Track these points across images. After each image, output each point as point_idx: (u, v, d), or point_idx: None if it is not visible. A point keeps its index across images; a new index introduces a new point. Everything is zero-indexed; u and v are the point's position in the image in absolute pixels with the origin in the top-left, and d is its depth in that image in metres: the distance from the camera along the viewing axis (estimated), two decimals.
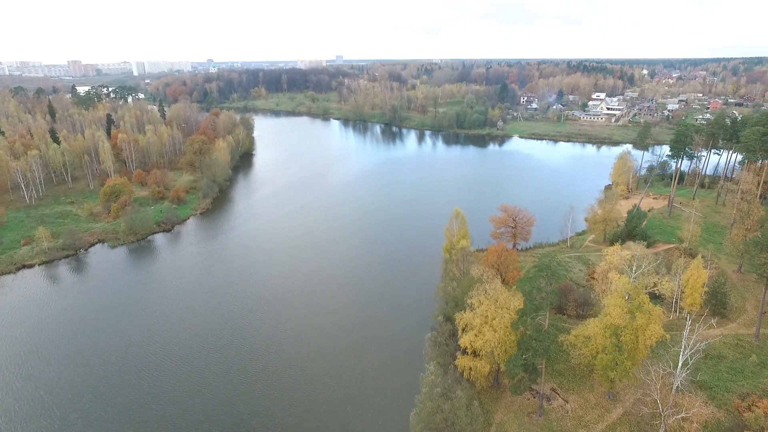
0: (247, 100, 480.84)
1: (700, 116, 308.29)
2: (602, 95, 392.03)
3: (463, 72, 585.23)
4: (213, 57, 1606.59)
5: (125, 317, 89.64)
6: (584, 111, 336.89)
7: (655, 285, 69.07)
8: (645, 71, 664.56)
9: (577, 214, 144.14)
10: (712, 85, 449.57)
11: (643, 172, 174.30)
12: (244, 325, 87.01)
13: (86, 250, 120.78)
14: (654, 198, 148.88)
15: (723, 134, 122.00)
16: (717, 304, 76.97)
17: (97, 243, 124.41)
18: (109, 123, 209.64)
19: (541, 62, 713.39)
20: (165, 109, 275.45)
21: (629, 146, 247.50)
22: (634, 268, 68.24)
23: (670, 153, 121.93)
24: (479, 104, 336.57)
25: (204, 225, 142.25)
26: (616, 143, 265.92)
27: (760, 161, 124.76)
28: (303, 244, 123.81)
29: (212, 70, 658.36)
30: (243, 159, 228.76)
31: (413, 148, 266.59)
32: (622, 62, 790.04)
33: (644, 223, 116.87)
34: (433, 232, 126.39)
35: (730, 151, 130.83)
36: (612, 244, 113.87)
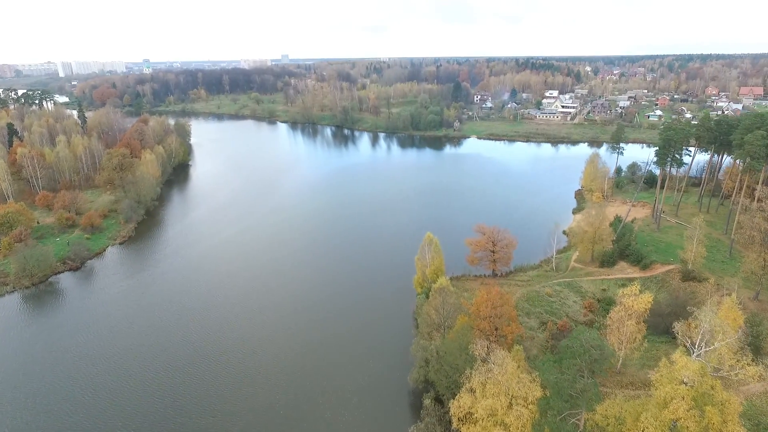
0: (185, 103, 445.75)
1: (651, 113, 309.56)
2: (555, 93, 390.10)
3: (413, 70, 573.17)
4: (150, 57, 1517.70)
5: None
6: (539, 109, 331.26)
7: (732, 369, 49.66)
8: (588, 68, 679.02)
9: (553, 223, 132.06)
10: (655, 81, 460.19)
11: (619, 175, 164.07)
12: (173, 395, 66.09)
13: None
14: (633, 206, 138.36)
15: (708, 137, 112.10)
16: (754, 350, 63.90)
17: None
18: (11, 134, 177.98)
19: (489, 60, 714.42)
20: (88, 115, 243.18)
21: (598, 148, 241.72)
22: (699, 341, 51.42)
23: (655, 159, 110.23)
24: (434, 104, 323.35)
25: (125, 257, 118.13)
26: (575, 142, 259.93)
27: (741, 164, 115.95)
28: (243, 282, 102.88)
29: (146, 70, 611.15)
30: (177, 172, 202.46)
31: (368, 153, 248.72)
32: (565, 59, 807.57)
33: (634, 237, 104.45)
34: (400, 258, 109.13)
35: (718, 154, 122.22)
36: (602, 265, 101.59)
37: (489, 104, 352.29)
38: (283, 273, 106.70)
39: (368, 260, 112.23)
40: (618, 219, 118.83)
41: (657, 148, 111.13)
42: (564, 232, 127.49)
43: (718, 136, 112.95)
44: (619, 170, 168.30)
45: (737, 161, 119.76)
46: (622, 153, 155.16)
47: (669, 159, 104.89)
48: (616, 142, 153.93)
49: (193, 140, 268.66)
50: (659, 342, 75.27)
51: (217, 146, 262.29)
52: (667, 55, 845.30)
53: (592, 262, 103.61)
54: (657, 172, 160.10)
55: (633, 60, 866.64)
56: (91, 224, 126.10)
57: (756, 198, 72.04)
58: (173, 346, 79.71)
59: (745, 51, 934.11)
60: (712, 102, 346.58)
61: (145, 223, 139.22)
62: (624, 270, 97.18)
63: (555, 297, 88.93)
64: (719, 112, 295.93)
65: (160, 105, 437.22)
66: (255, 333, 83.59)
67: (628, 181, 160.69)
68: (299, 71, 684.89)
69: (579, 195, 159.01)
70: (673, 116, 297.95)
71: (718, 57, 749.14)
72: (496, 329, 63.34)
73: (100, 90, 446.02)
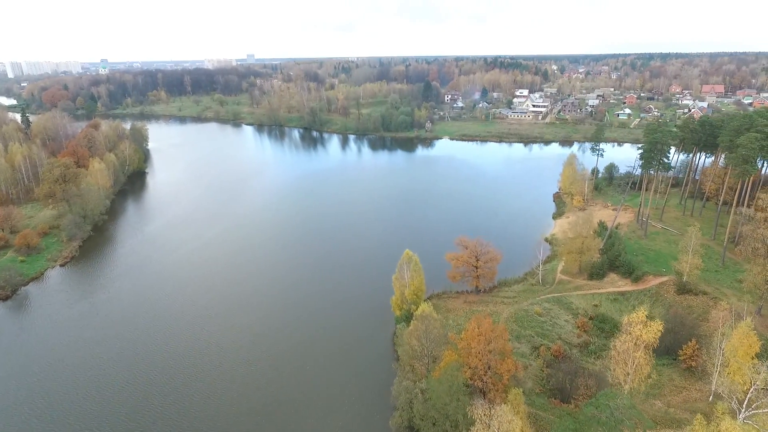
0: (143, 105, 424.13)
1: (621, 112, 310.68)
2: (525, 92, 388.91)
3: (382, 70, 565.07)
4: (109, 57, 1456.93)
5: None
6: (510, 109, 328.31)
7: None
8: (555, 67, 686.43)
9: (535, 230, 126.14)
10: (621, 80, 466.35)
11: (597, 177, 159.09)
12: None
13: None
14: (613, 209, 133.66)
15: (692, 138, 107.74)
16: None
17: None
18: None
19: (457, 59, 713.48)
20: (34, 119, 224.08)
21: (570, 147, 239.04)
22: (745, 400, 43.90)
23: (641, 163, 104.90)
24: (404, 104, 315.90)
25: (66, 281, 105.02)
26: (547, 142, 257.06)
27: (724, 163, 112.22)
28: (199, 311, 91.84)
29: (102, 71, 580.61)
30: (132, 180, 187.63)
31: (338, 156, 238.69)
32: (531, 58, 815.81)
33: (623, 247, 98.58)
34: (375, 274, 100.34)
35: (703, 155, 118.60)
36: (591, 277, 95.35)
37: (460, 104, 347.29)
38: (246, 294, 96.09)
39: (340, 277, 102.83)
40: (603, 226, 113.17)
41: (641, 150, 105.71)
42: (546, 240, 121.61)
43: (703, 137, 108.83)
44: (595, 171, 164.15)
45: (719, 161, 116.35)
46: (602, 155, 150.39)
47: (655, 162, 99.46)
48: (596, 141, 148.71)
49: (151, 145, 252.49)
50: (661, 365, 68.99)
51: (177, 151, 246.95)
52: (629, 54, 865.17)
53: (580, 273, 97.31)
54: (637, 173, 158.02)
55: (597, 59, 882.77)
56: (26, 244, 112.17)
57: (754, 206, 66.65)
58: (116, 390, 68.45)
59: (703, 50, 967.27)
60: (677, 100, 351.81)
61: (92, 241, 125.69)
62: (615, 283, 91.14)
63: (545, 316, 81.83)
64: (686, 111, 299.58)
65: (116, 107, 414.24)
66: (213, 371, 73.09)
67: (607, 183, 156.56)
68: (265, 71, 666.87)
69: (558, 198, 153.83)
70: (642, 114, 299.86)
71: (678, 56, 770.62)
72: (489, 368, 55.22)
73: (51, 92, 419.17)
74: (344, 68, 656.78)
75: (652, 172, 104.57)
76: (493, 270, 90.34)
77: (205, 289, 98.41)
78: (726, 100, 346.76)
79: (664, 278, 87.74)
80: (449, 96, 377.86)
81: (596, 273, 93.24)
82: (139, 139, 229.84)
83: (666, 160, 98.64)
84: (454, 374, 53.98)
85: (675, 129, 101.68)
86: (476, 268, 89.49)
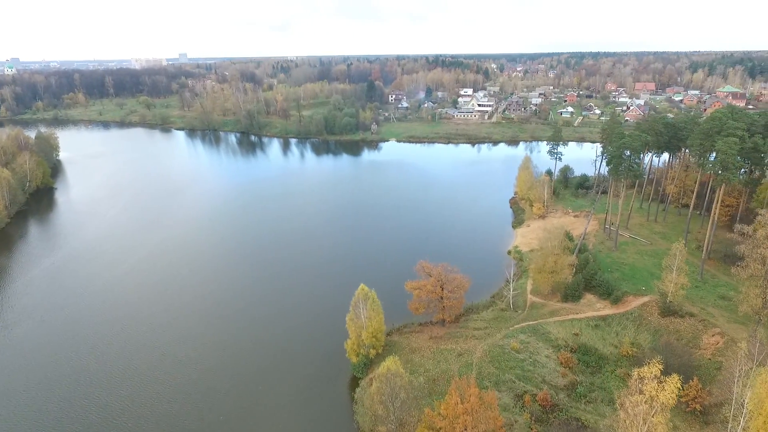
0: (58, 109, 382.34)
1: (563, 110, 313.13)
2: (470, 91, 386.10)
3: (323, 70, 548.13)
4: (20, 55, 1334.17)
5: None
6: (456, 108, 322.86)
7: None
8: (494, 65, 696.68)
9: (496, 242, 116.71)
10: (559, 78, 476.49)
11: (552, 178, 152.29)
12: None
13: None
14: (575, 216, 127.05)
15: (659, 141, 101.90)
16: None
17: None
18: None
19: (399, 58, 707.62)
20: None
21: (519, 148, 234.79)
22: None
23: (609, 170, 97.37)
24: (348, 105, 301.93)
25: None
26: (495, 142, 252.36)
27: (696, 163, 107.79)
28: (108, 365, 73.92)
29: (8, 71, 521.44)
30: (37, 199, 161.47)
31: (279, 163, 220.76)
32: (470, 57, 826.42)
33: (598, 264, 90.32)
34: (324, 308, 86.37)
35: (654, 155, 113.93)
36: (565, 298, 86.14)
37: (405, 104, 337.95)
38: (167, 344, 78.90)
39: (281, 319, 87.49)
40: (569, 237, 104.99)
41: (608, 156, 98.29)
42: (510, 253, 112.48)
43: (666, 139, 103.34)
44: (553, 176, 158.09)
45: (682, 163, 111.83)
46: (560, 158, 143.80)
47: (623, 168, 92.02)
48: (554, 144, 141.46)
49: (63, 156, 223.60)
50: None
51: (95, 162, 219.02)
52: (563, 53, 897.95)
53: (552, 294, 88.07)
54: (590, 174, 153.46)
55: (533, 57, 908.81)
56: None
57: (755, 224, 59.41)
58: None
59: (630, 49, 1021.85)
60: (614, 97, 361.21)
61: None
62: (593, 305, 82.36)
63: (523, 352, 71.21)
64: (624, 108, 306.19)
65: (24, 112, 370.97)
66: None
67: (563, 187, 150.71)
68: (198, 71, 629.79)
69: (515, 204, 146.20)
70: (584, 112, 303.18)
71: (607, 55, 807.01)
72: None
73: None
74: (283, 68, 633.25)
75: (623, 180, 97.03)
76: (460, 299, 79.02)
77: (110, 342, 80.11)
78: (658, 97, 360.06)
79: (646, 298, 79.87)
80: (393, 96, 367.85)
81: (571, 294, 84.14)
82: (47, 149, 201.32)
83: (635, 167, 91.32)
84: None
85: (643, 133, 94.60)
86: (442, 298, 77.72)
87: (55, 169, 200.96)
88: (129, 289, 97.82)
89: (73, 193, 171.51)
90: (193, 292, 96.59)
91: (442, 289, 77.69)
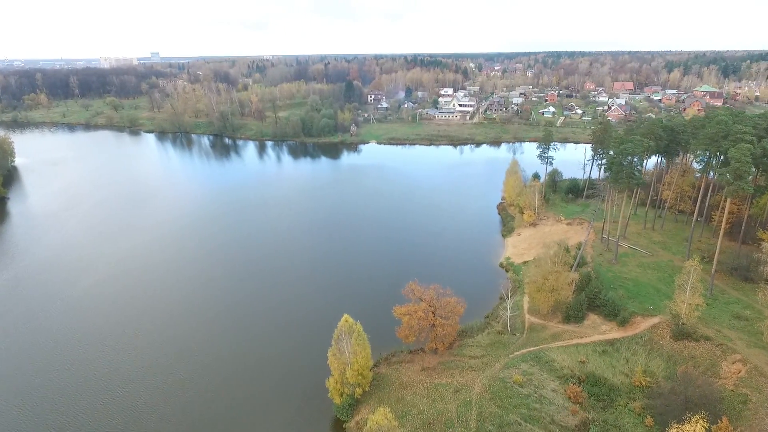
0: (17, 111, 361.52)
1: (545, 110, 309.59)
2: (450, 91, 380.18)
3: (300, 69, 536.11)
4: None
5: None
6: (437, 108, 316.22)
7: None
8: (472, 64, 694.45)
9: (486, 253, 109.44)
10: (538, 77, 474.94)
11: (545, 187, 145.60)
12: None
13: None
14: (567, 223, 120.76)
15: (658, 145, 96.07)
16: None
17: None
18: None
19: (377, 57, 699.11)
20: None
21: (501, 149, 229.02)
22: None
23: (609, 178, 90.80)
24: (326, 106, 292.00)
25: None
26: (478, 144, 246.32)
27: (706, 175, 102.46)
28: (60, 391, 63.71)
29: None
30: None
31: (254, 169, 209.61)
32: (448, 56, 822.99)
33: (601, 281, 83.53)
34: (301, 338, 77.61)
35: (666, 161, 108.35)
36: (567, 319, 79.09)
37: (385, 104, 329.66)
38: (119, 387, 68.85)
39: (254, 349, 78.33)
40: (565, 248, 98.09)
41: (608, 163, 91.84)
42: (502, 266, 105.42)
43: (668, 144, 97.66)
44: (544, 181, 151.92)
45: (679, 168, 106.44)
46: (551, 163, 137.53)
47: (623, 176, 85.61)
48: (545, 147, 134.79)
49: (19, 162, 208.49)
50: None
51: (55, 169, 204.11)
52: (540, 52, 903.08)
53: (552, 314, 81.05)
54: (580, 177, 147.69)
55: (510, 56, 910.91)
56: None
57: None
58: None
59: (606, 49, 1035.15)
60: (594, 97, 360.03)
61: None
62: (598, 327, 75.50)
63: (527, 386, 63.64)
64: (605, 108, 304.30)
65: None
66: None
67: (552, 191, 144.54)
68: (170, 71, 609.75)
69: (503, 210, 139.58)
70: (566, 112, 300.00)
71: (583, 54, 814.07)
72: None
73: None
74: (259, 67, 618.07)
75: (625, 189, 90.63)
76: (454, 326, 71.16)
77: (57, 379, 69.68)
78: (637, 97, 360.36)
79: (655, 319, 73.31)
80: (372, 96, 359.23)
81: (574, 315, 77.15)
82: (0, 155, 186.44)
83: (637, 174, 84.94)
84: None
85: (644, 138, 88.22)
86: (434, 325, 69.73)
87: (10, 177, 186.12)
88: (79, 319, 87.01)
89: (28, 204, 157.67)
90: (150, 320, 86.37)
91: (434, 315, 69.73)
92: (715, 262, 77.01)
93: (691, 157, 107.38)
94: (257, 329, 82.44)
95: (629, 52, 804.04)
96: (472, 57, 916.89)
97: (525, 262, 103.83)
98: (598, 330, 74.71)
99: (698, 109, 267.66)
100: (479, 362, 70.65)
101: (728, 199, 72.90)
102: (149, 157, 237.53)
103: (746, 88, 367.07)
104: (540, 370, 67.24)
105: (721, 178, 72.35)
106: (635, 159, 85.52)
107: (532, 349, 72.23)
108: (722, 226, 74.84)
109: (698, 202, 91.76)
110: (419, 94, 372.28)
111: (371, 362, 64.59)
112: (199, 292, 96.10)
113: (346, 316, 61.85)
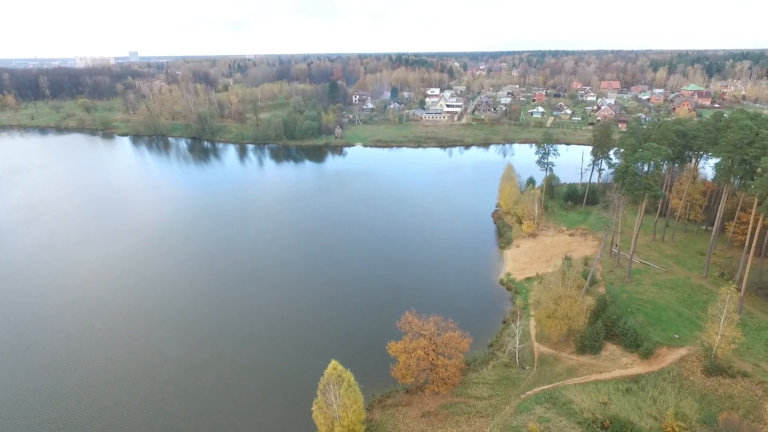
0: None
1: (534, 110, 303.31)
2: (437, 91, 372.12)
3: (282, 68, 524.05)
4: None
5: None
6: (424, 109, 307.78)
7: None
8: (457, 64, 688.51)
9: (484, 268, 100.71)
10: (525, 76, 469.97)
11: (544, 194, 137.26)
12: None
13: None
14: (570, 234, 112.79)
15: (673, 152, 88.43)
16: None
17: None
18: None
19: (361, 56, 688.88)
20: None
21: (486, 149, 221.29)
22: None
23: (622, 188, 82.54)
24: (309, 107, 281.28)
25: None
26: (468, 146, 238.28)
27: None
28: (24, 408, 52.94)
29: None
30: None
31: (234, 175, 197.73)
32: (432, 56, 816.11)
33: (619, 307, 75.17)
34: (284, 387, 67.56)
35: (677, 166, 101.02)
36: (582, 350, 70.66)
37: (370, 105, 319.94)
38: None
39: (228, 394, 68.34)
40: (569, 261, 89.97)
41: (619, 172, 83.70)
42: (503, 283, 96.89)
43: (681, 150, 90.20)
44: (532, 181, 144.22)
45: (692, 175, 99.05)
46: (551, 169, 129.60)
47: (639, 186, 77.56)
48: (543, 151, 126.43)
49: None
50: None
51: (14, 179, 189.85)
52: (524, 51, 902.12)
53: (564, 342, 72.61)
54: (577, 181, 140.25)
55: (494, 56, 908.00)
56: None
57: None
58: None
59: (589, 48, 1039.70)
60: (582, 96, 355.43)
61: None
62: (617, 360, 67.18)
63: None
64: (594, 108, 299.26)
65: None
66: None
67: (549, 198, 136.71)
68: (148, 71, 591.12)
69: (498, 219, 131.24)
70: (555, 112, 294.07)
71: (567, 53, 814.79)
72: None
73: None
74: (240, 67, 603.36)
75: (642, 203, 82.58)
76: (458, 365, 62.16)
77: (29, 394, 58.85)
78: (625, 96, 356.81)
79: (682, 351, 65.26)
80: (357, 96, 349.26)
81: (590, 345, 68.74)
82: None
83: (654, 185, 76.85)
84: None
85: (661, 146, 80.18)
86: (435, 366, 60.62)
87: None
88: (23, 356, 75.87)
89: None
90: (107, 370, 75.70)
91: (437, 353, 60.65)
92: (744, 282, 69.29)
93: (702, 163, 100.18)
94: (231, 373, 72.27)
95: (612, 51, 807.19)
96: (457, 56, 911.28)
97: (528, 279, 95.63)
98: (618, 363, 66.41)
99: (688, 109, 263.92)
100: (487, 405, 61.78)
101: (761, 216, 64.99)
102: (122, 163, 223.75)
103: (732, 87, 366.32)
104: (557, 415, 58.65)
105: (750, 192, 64.48)
106: (651, 168, 77.35)
107: (545, 387, 63.64)
108: (752, 244, 67.02)
109: (714, 212, 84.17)
110: (405, 94, 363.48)
111: (364, 414, 55.24)
112: (162, 326, 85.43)
113: (334, 362, 52.40)
